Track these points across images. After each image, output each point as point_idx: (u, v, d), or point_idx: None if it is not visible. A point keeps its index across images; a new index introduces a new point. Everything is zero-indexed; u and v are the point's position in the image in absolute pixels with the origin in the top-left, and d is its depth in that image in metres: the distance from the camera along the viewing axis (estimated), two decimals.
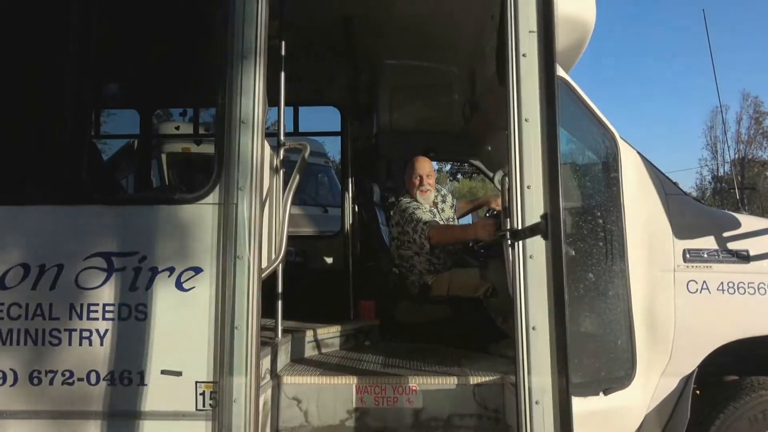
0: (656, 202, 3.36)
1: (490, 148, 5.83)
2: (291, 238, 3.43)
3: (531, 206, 2.69)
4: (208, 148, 6.73)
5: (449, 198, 5.30)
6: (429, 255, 4.69)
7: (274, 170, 3.38)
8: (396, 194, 5.68)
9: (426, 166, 4.91)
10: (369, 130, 5.89)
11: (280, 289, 3.77)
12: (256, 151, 2.82)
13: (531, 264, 2.66)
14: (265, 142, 3.04)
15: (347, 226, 5.25)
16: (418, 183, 4.84)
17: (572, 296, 2.93)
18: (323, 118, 5.96)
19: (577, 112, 3.23)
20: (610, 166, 3.22)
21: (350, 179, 5.27)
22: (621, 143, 3.33)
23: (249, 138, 2.82)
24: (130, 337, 2.80)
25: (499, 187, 3.11)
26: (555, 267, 2.34)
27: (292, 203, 3.26)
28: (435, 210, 5.01)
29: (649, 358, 3.19)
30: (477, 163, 6.33)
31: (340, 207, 5.45)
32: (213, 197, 2.86)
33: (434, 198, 5.03)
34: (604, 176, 3.27)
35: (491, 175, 6.22)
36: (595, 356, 3.08)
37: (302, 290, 4.59)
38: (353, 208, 5.32)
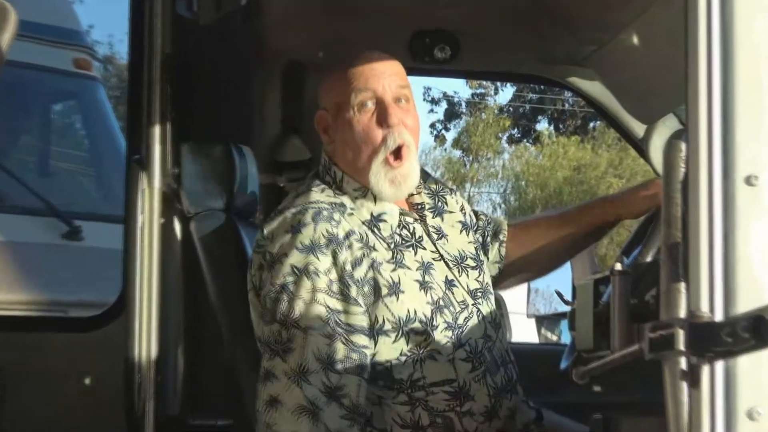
0: None
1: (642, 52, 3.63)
2: None
3: (757, 245, 1.64)
4: None
5: (484, 220, 2.72)
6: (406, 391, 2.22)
7: None
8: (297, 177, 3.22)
9: (386, 71, 2.40)
10: None
11: None
12: None
13: None
14: None
15: (141, 286, 3.06)
16: (374, 126, 2.30)
17: None
18: None
19: None
20: None
21: (159, 127, 3.05)
22: None
23: None
24: None
25: (661, 172, 2.04)
26: None
27: None
28: (410, 249, 2.35)
29: None
30: (589, 92, 3.94)
31: (121, 223, 3.12)
32: None
33: (419, 199, 2.54)
34: None
35: (639, 135, 4.07)
36: None
37: None
38: (164, 227, 3.04)
